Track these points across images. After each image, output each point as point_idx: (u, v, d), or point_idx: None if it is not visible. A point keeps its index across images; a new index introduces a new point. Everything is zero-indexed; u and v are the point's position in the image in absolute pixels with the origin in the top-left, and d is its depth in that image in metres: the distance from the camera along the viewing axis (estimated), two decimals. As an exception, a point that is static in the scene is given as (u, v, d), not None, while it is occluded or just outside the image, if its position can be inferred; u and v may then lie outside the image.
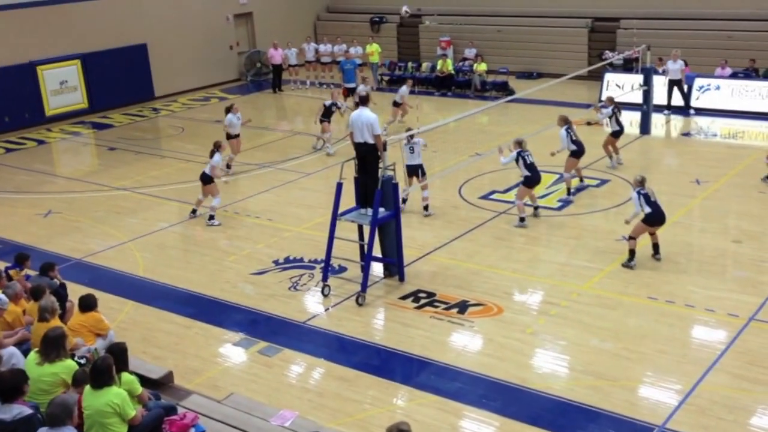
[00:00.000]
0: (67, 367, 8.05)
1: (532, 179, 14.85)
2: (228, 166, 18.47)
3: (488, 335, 11.13)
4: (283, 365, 10.62)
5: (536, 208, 15.33)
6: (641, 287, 12.23)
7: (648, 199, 12.76)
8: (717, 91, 22.91)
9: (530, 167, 14.77)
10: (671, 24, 26.56)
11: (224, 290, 12.88)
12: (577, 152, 16.32)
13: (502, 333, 11.14)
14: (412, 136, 15.17)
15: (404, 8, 25.23)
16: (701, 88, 22.92)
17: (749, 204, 15.52)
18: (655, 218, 12.82)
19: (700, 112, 22.65)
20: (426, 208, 15.59)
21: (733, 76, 23.44)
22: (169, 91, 28.72)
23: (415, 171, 15.34)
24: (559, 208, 15.78)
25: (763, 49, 24.32)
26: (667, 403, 9.32)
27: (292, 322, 11.77)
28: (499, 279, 12.81)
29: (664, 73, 22.58)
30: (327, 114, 20.00)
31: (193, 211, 16.19)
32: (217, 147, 15.90)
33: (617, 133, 18.01)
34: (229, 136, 18.79)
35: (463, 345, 10.98)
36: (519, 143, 15.07)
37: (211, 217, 15.71)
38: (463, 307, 11.89)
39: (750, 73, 23.59)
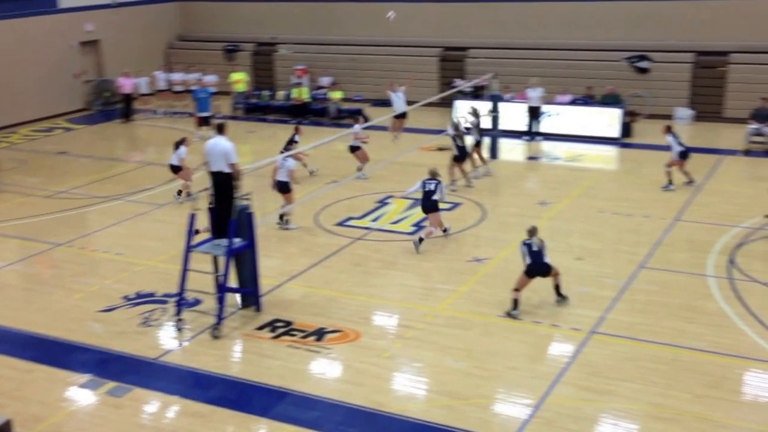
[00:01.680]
0: None
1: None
2: (189, 194, 18.06)
3: (346, 361, 11.19)
4: (133, 405, 10.26)
5: None
6: (492, 307, 12.64)
7: (530, 250, 12.37)
8: (559, 117, 24.14)
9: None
10: (516, 53, 27.81)
11: (70, 330, 12.32)
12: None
13: (360, 358, 11.22)
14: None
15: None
16: (543, 114, 24.07)
17: (590, 223, 16.38)
18: (533, 270, 12.34)
19: (544, 136, 23.79)
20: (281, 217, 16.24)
21: (573, 102, 24.83)
22: (9, 122, 27.25)
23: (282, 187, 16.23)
24: (413, 233, 16.11)
25: (598, 77, 25.85)
26: (517, 417, 9.65)
27: (143, 359, 11.40)
28: (356, 305, 12.92)
29: (508, 100, 23.57)
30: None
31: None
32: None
33: (466, 151, 18.83)
34: (175, 168, 18.44)
35: (321, 372, 10.99)
36: (434, 174, 15.55)
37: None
38: (320, 334, 11.90)
39: (587, 99, 25.02)
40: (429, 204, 15.39)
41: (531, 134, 23.80)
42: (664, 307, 12.41)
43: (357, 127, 19.35)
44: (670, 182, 18.20)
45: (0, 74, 26.80)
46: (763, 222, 15.30)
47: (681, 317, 12.06)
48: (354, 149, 19.74)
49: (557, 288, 12.68)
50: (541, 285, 12.91)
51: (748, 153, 21.65)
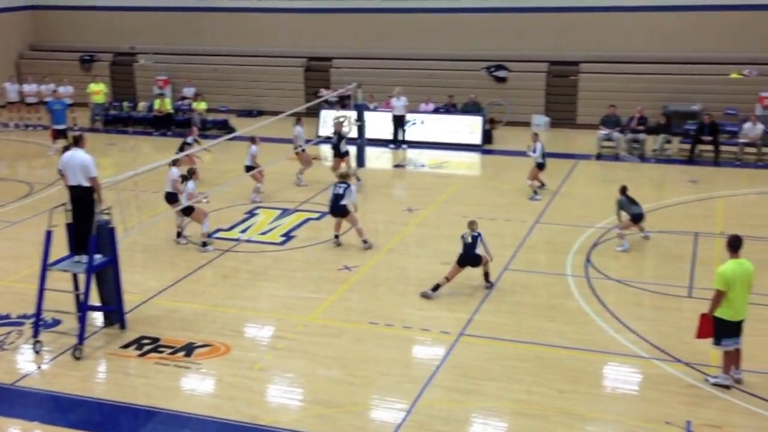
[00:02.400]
0: None
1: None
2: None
3: (217, 376, 10.99)
4: (-10, 433, 9.73)
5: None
6: (363, 314, 12.75)
7: (463, 241, 13.25)
8: (423, 125, 24.67)
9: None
10: (380, 63, 28.23)
11: None
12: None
13: (231, 372, 11.05)
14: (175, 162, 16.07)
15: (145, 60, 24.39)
16: (408, 122, 24.53)
17: (456, 228, 16.69)
18: (463, 259, 13.26)
19: (409, 144, 24.24)
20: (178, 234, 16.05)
21: (436, 111, 25.44)
22: None
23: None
24: (282, 243, 16.03)
25: (459, 86, 26.60)
26: (390, 422, 9.75)
27: (-1, 384, 10.82)
28: (226, 318, 12.72)
29: (373, 109, 23.90)
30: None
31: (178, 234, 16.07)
32: (191, 174, 15.85)
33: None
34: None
35: (191, 389, 10.74)
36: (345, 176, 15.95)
37: (204, 243, 15.67)
38: (189, 349, 11.64)
39: (449, 108, 25.69)
40: (337, 208, 15.34)
41: (396, 142, 24.19)
42: (528, 307, 12.87)
43: (254, 148, 18.72)
44: (536, 192, 18.86)
45: None
46: (615, 222, 16.11)
47: (543, 316, 12.54)
48: (250, 168, 18.89)
49: (486, 275, 13.43)
50: (412, 290, 13.16)
51: (599, 157, 22.78)
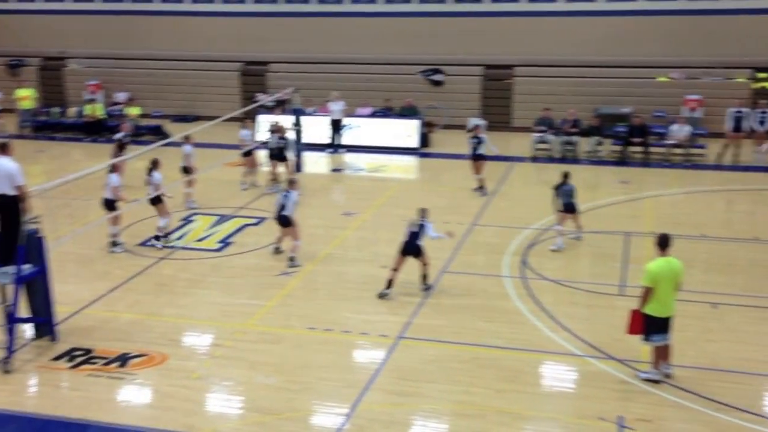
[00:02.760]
0: None
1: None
2: None
3: (153, 386, 10.81)
4: None
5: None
6: (301, 319, 12.69)
7: (408, 229, 13.38)
8: (360, 129, 24.71)
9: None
10: (317, 67, 28.20)
11: None
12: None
13: (167, 382, 10.88)
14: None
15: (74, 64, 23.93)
16: (346, 126, 24.54)
17: (394, 231, 16.74)
18: (405, 249, 13.37)
19: (348, 149, 24.25)
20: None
21: (373, 114, 25.52)
22: None
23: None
24: (219, 249, 15.88)
25: (396, 90, 26.74)
26: (330, 427, 9.72)
27: (-76, 401, 10.46)
28: (163, 326, 12.52)
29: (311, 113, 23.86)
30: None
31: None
32: (155, 165, 16.01)
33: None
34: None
35: (127, 400, 10.54)
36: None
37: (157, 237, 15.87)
38: (123, 360, 11.42)
39: (387, 112, 25.79)
40: (281, 218, 15.03)
41: (334, 146, 24.18)
42: (466, 309, 12.98)
43: (188, 148, 18.63)
44: (481, 187, 19.15)
45: None
46: (550, 223, 16.37)
47: (481, 317, 12.66)
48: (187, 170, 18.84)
49: (424, 277, 13.44)
50: (351, 294, 13.15)
51: (535, 159, 23.14)
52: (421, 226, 13.40)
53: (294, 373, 11.04)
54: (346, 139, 24.45)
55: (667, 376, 10.56)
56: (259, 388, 10.70)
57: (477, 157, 19.30)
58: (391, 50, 27.98)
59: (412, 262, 13.51)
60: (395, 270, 13.39)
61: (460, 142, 20.45)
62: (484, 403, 10.16)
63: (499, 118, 26.94)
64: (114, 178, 15.53)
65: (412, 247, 13.36)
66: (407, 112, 25.63)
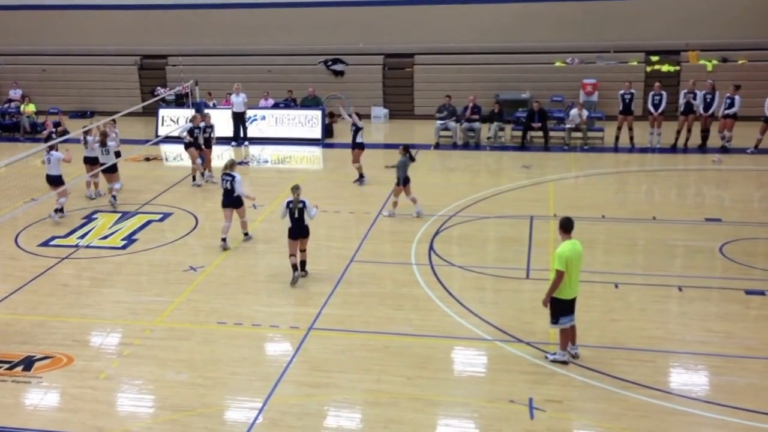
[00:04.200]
0: None
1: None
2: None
3: (59, 388, 10.58)
4: None
5: None
6: (211, 314, 12.62)
7: (291, 215, 13.31)
8: (263, 121, 24.58)
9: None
10: (217, 60, 27.88)
11: None
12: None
13: (74, 383, 10.67)
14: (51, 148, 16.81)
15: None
16: (249, 118, 24.36)
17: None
18: (294, 233, 13.44)
19: (251, 141, 24.08)
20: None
21: (275, 106, 25.39)
22: None
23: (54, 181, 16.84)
24: (124, 247, 15.59)
25: (298, 81, 26.69)
26: (243, 422, 9.73)
27: None
28: (68, 327, 12.25)
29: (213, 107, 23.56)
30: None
31: None
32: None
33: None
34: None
35: (32, 404, 10.29)
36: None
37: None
38: (28, 363, 11.14)
39: (289, 102, 25.73)
40: (229, 200, 15.22)
41: (238, 139, 23.96)
42: (375, 297, 13.14)
43: (90, 139, 18.60)
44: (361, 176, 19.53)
45: None
46: (455, 209, 16.70)
47: (390, 305, 12.83)
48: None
49: (303, 264, 13.69)
50: (261, 287, 13.10)
51: (437, 146, 23.50)
52: (301, 210, 13.44)
53: (205, 368, 10.99)
54: (250, 131, 24.26)
55: (575, 356, 10.93)
56: (170, 385, 10.61)
57: (356, 146, 19.45)
58: (291, 41, 27.89)
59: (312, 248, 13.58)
60: (294, 256, 13.58)
61: (365, 131, 20.54)
62: (396, 391, 10.34)
63: (401, 106, 27.23)
64: (58, 154, 16.89)
65: (301, 230, 13.52)
66: (309, 103, 25.63)
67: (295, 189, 13.47)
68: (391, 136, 23.32)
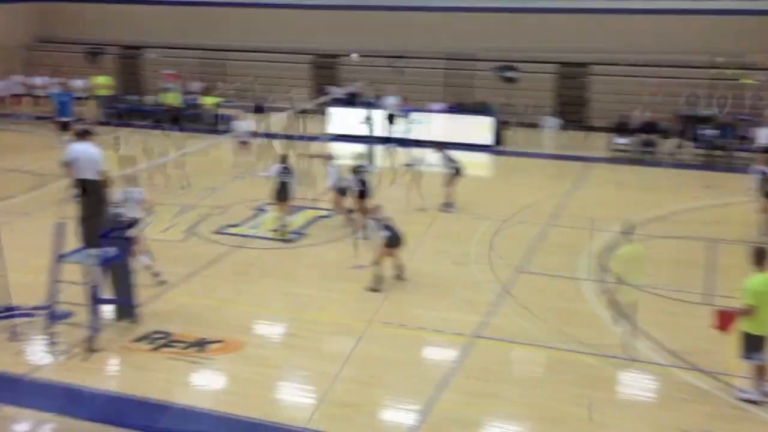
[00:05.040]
0: None
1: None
2: None
3: (230, 372, 10.89)
4: (2, 424, 9.60)
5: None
6: (375, 313, 12.62)
7: (386, 225, 13.28)
8: (430, 124, 24.47)
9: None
10: (389, 61, 28.07)
11: (-70, 346, 11.43)
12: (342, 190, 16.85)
13: (245, 368, 10.95)
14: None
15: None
16: (404, 119, 24.30)
17: (467, 227, 16.69)
18: (393, 241, 13.32)
19: (418, 143, 23.95)
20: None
21: (446, 110, 25.27)
22: None
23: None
24: (294, 240, 15.93)
25: (469, 86, 26.51)
26: (404, 423, 9.64)
27: (11, 375, 10.70)
28: (238, 314, 12.62)
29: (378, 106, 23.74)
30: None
31: None
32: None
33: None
34: None
35: (205, 384, 10.66)
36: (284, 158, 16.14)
37: None
38: (202, 344, 11.54)
39: (459, 107, 25.53)
40: (282, 193, 15.66)
41: (390, 141, 23.78)
42: (543, 311, 12.70)
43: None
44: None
45: None
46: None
47: (557, 319, 12.37)
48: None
49: (400, 267, 13.56)
50: (424, 291, 12.98)
51: (611, 160, 22.63)
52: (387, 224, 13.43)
53: (368, 366, 11.00)
54: (417, 133, 24.16)
55: (766, 395, 10.13)
56: (334, 379, 10.67)
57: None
58: (465, 46, 27.70)
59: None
60: (379, 264, 13.44)
61: (535, 141, 20.09)
62: (563, 409, 9.94)
63: (574, 117, 26.51)
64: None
65: (399, 239, 13.43)
66: (480, 109, 25.33)
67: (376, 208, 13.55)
68: (566, 147, 22.62)
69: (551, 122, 26.04)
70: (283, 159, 16.43)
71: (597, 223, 16.80)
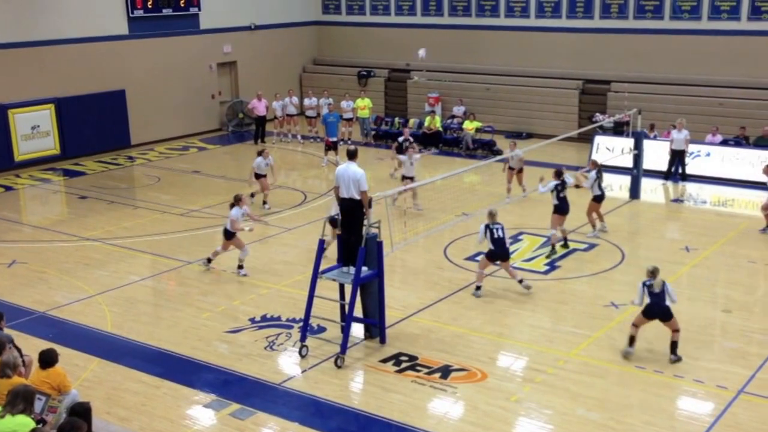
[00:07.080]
0: (24, 425, 7.61)
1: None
2: (264, 202, 19.80)
3: (471, 402, 10.69)
4: (255, 429, 10.12)
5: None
6: (633, 357, 11.81)
7: (651, 291, 11.66)
8: (707, 158, 22.74)
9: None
10: (662, 89, 26.46)
11: (196, 348, 12.35)
12: (561, 209, 16.25)
13: (486, 400, 10.70)
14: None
15: (421, 52, 25.60)
16: (691, 154, 22.72)
17: (739, 273, 15.23)
18: (653, 311, 11.66)
19: (690, 178, 22.39)
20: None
21: (724, 143, 23.33)
22: (147, 140, 27.83)
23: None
24: (546, 272, 15.44)
25: (753, 117, 24.29)
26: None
27: (266, 383, 11.27)
28: (484, 343, 12.40)
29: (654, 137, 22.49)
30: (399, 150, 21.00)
31: (208, 260, 15.74)
32: (236, 200, 15.26)
33: (599, 198, 17.41)
34: (257, 176, 19.52)
35: (445, 411, 10.54)
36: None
37: (240, 267, 15.36)
38: (445, 371, 11.45)
39: (740, 140, 23.50)
40: (503, 252, 14.14)
41: (670, 176, 22.40)
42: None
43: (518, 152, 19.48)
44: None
45: (141, 93, 27.39)
46: None
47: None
48: None
49: (674, 345, 11.70)
50: (687, 337, 11.99)
51: None
52: (663, 290, 11.63)
53: (618, 411, 10.32)
54: (691, 168, 22.50)
55: None
56: (580, 421, 10.13)
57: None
58: (749, 72, 25.43)
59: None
60: (636, 326, 11.80)
61: None
62: None
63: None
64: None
65: (661, 309, 11.61)
66: (764, 143, 23.15)
67: (655, 273, 11.75)
68: None
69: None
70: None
71: None
